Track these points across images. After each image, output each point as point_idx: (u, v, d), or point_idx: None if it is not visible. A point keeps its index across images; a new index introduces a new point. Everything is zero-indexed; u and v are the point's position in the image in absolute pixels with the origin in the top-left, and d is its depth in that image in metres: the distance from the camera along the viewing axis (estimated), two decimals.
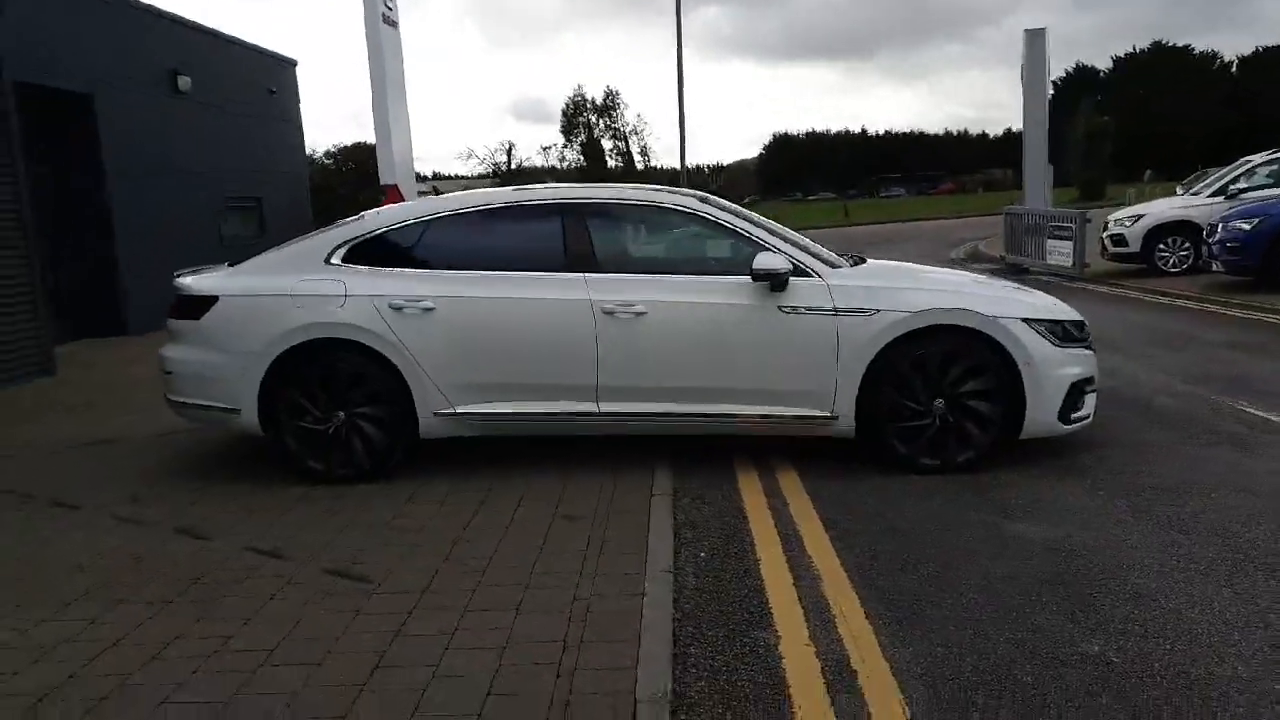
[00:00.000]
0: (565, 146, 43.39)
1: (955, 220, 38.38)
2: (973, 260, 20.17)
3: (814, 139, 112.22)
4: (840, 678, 3.04)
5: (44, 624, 3.62)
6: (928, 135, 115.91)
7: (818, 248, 6.09)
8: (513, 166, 41.37)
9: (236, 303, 5.35)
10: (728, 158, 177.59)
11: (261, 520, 4.76)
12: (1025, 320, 5.12)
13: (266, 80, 17.29)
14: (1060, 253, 16.14)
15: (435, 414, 5.28)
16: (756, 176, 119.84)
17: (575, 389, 5.23)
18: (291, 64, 18.70)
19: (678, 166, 26.21)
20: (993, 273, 17.20)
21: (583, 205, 5.43)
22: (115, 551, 4.41)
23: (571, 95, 46.73)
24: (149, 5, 13.69)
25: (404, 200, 21.29)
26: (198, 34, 15.14)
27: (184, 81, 14.33)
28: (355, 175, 35.92)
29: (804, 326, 5.10)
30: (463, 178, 46.65)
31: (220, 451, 6.13)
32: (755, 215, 6.08)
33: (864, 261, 5.88)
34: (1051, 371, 5.11)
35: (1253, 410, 6.22)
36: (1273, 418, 6.03)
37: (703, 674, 3.10)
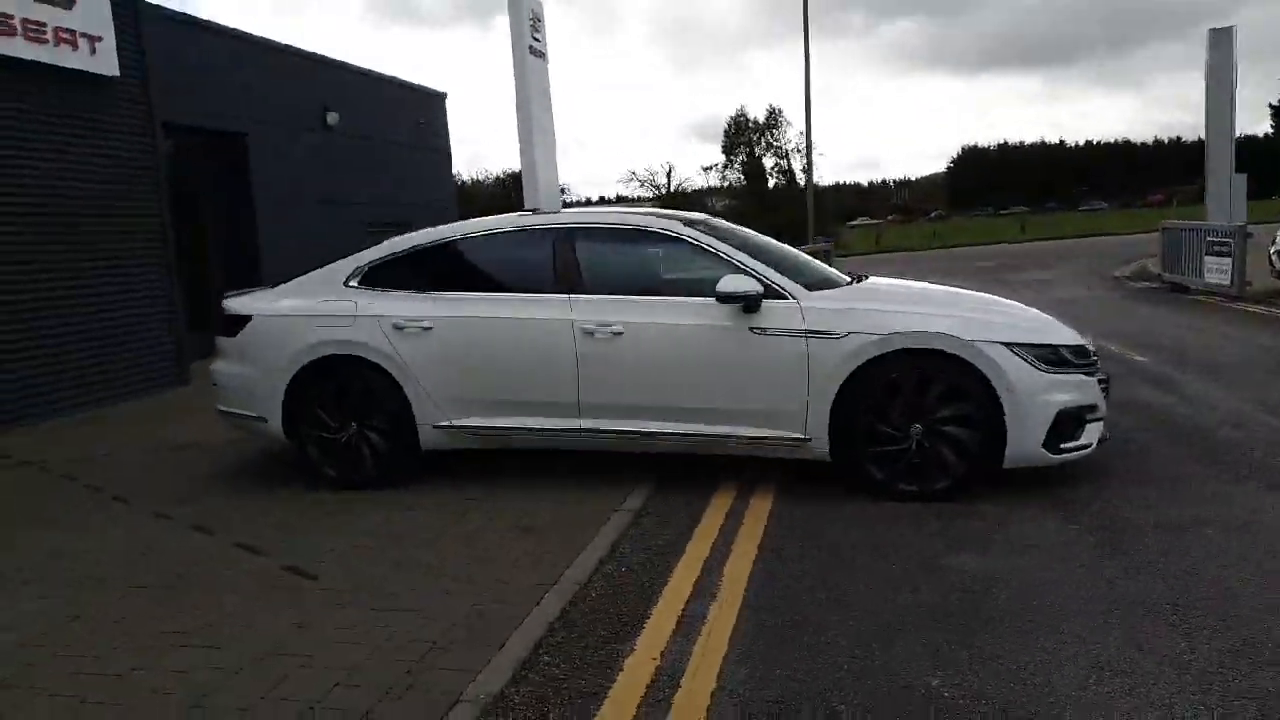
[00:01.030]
0: (726, 166, 43.63)
1: (1146, 235, 35.86)
2: (1139, 278, 18.88)
3: (1006, 151, 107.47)
4: (661, 692, 3.12)
5: (26, 600, 4.19)
6: (1134, 144, 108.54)
7: (817, 267, 6.10)
8: (672, 188, 42.09)
9: (266, 322, 5.91)
10: (919, 171, 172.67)
11: (267, 521, 5.24)
12: (1007, 344, 4.93)
13: (415, 113, 18.50)
14: (1218, 270, 14.91)
15: (434, 426, 5.64)
16: (945, 190, 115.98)
17: (559, 405, 5.46)
18: (441, 96, 19.90)
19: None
20: (1153, 291, 16.14)
21: (572, 230, 5.67)
22: (133, 541, 5.00)
23: (734, 115, 46.97)
24: (300, 50, 15.02)
25: None
26: (348, 73, 16.43)
27: (332, 117, 15.58)
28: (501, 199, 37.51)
29: (775, 348, 5.12)
30: (624, 199, 47.84)
31: (271, 457, 6.73)
32: (753, 238, 6.15)
33: (862, 280, 5.82)
34: (1035, 398, 4.89)
35: None
36: None
37: (539, 680, 3.24)
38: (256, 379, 5.89)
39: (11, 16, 8.64)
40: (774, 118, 42.67)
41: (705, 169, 49.94)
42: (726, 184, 43.70)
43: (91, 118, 9.66)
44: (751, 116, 43.25)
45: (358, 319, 5.70)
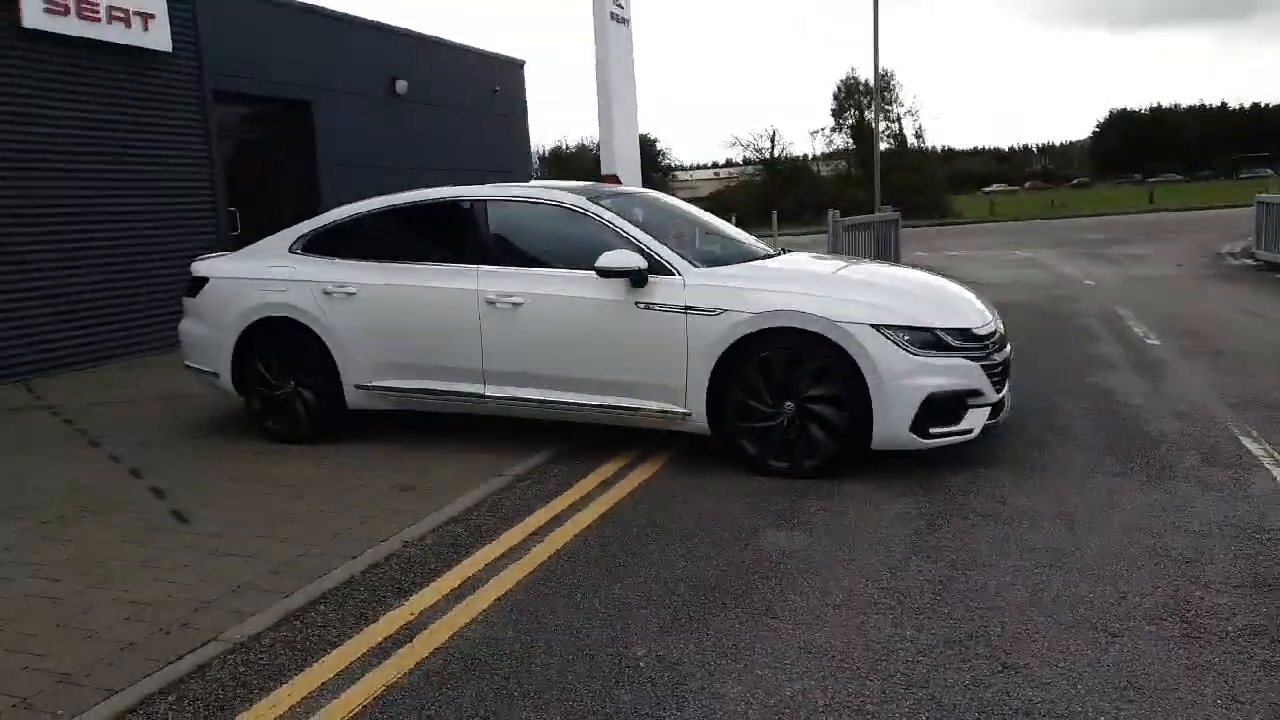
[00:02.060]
0: (834, 130, 42.66)
1: None
2: (1243, 255, 17.71)
3: (1158, 115, 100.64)
4: (389, 648, 3.37)
5: None
6: None
7: (741, 244, 6.18)
8: (776, 152, 41.51)
9: (220, 284, 6.39)
10: (1066, 135, 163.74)
11: (193, 468, 5.73)
12: (875, 326, 4.91)
13: (490, 80, 18.93)
14: None
15: (356, 386, 6.01)
16: (1090, 156, 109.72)
17: (467, 372, 5.73)
18: (519, 64, 20.27)
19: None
20: (1245, 270, 15.19)
21: (485, 203, 5.90)
22: (73, 478, 5.57)
23: (844, 77, 45.82)
24: (367, 20, 15.61)
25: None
26: (419, 42, 16.96)
27: (401, 85, 16.16)
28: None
29: (657, 323, 5.24)
30: (717, 165, 47.51)
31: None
32: (676, 214, 6.25)
33: (779, 256, 5.93)
34: (901, 381, 4.87)
35: (1253, 444, 5.43)
36: (1262, 452, 5.24)
37: (296, 628, 3.52)
38: (211, 337, 6.39)
39: None
40: (885, 80, 41.40)
41: (812, 133, 49.05)
42: (833, 148, 42.77)
43: (144, 90, 10.42)
44: (862, 79, 42.10)
45: (293, 284, 6.11)
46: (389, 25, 16.15)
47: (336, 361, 6.01)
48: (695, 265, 5.36)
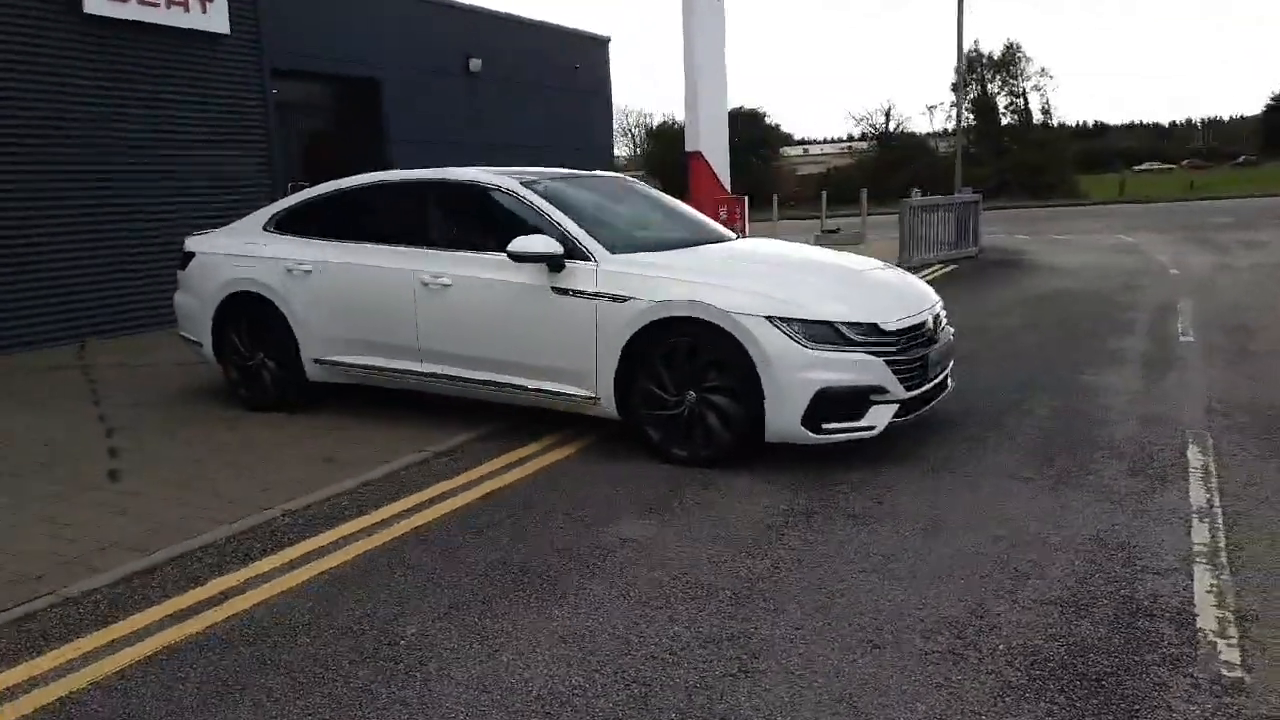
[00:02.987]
0: (953, 105, 40.84)
1: None
2: None
3: None
4: (171, 621, 3.60)
5: None
6: None
7: (698, 223, 6.19)
8: (891, 128, 40.13)
9: (203, 258, 6.79)
10: (1236, 110, 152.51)
11: (164, 429, 6.14)
12: (768, 318, 4.83)
13: (572, 58, 19.12)
14: None
15: (314, 360, 6.30)
16: (1259, 133, 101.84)
17: (404, 349, 5.94)
18: (603, 41, 20.38)
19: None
20: None
21: (427, 185, 6.07)
22: (55, 431, 6.06)
23: (966, 51, 43.78)
24: (439, 1, 15.98)
25: (709, 169, 22.23)
26: (496, 21, 17.29)
27: (475, 63, 16.54)
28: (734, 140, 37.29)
29: (570, 308, 5.31)
30: (825, 141, 46.27)
31: None
32: (610, 197, 6.26)
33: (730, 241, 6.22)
34: (792, 374, 4.79)
35: (1197, 455, 5.12)
36: (1199, 465, 4.93)
37: (122, 586, 3.79)
38: (196, 308, 6.80)
39: None
40: (1011, 53, 39.52)
41: (929, 108, 47.30)
42: (952, 124, 41.09)
43: (202, 70, 11.03)
44: (986, 51, 40.27)
45: (260, 260, 6.44)
46: (463, 4, 16.52)
47: (296, 335, 6.31)
48: (613, 252, 5.38)
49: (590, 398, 5.33)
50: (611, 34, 20.57)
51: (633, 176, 7.89)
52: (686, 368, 5.04)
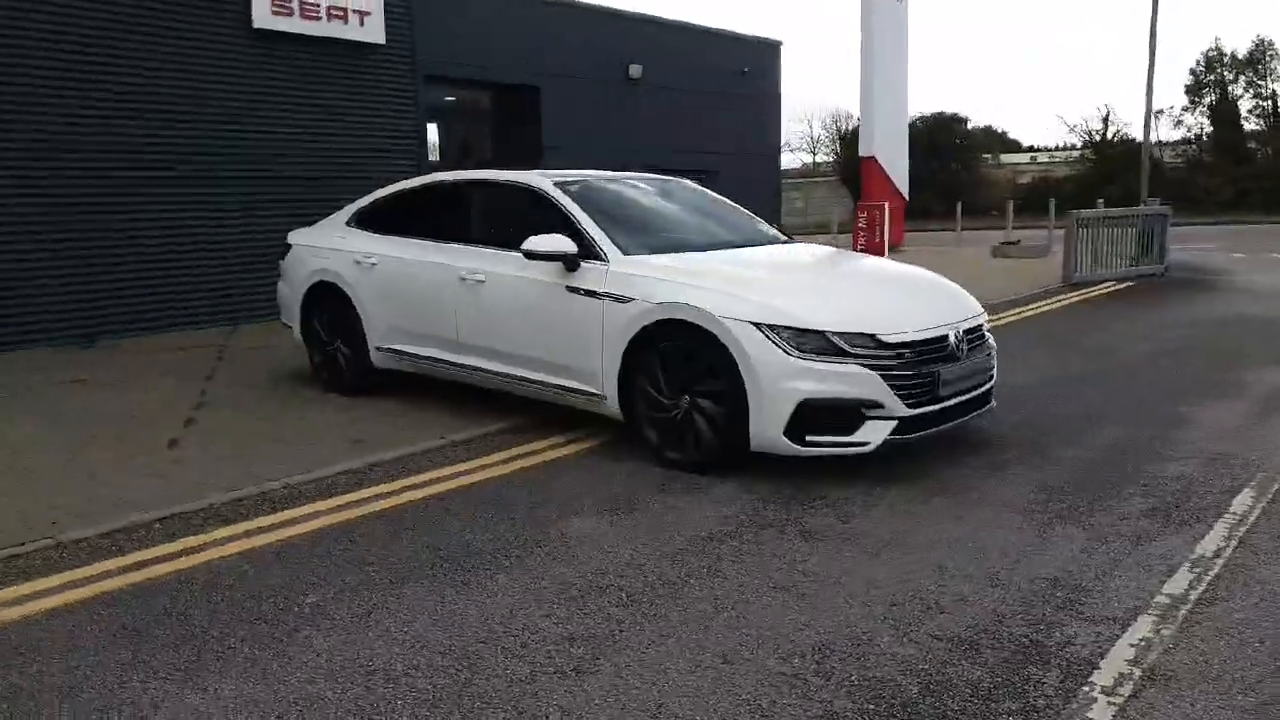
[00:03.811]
0: (1187, 109, 37.41)
1: None
2: None
3: None
4: (75, 583, 3.97)
5: None
6: None
7: (738, 223, 6.25)
8: (1109, 134, 37.05)
9: (297, 250, 7.37)
10: None
11: (245, 407, 6.71)
12: (757, 324, 4.72)
13: (738, 63, 19.11)
14: None
15: (376, 348, 6.71)
16: None
17: (446, 341, 6.22)
18: (774, 45, 20.23)
19: None
20: None
21: (472, 184, 6.34)
22: (137, 407, 6.74)
23: (1206, 50, 40.00)
24: (599, 7, 16.41)
25: (883, 174, 21.68)
26: (658, 27, 17.55)
27: (635, 70, 16.87)
28: (928, 146, 36.07)
29: (581, 307, 5.39)
30: (1034, 150, 43.19)
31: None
32: (641, 201, 6.27)
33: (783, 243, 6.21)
34: (777, 383, 4.66)
35: (1246, 501, 4.58)
36: (1242, 511, 4.41)
37: (34, 560, 4.21)
38: (289, 296, 7.39)
39: (290, 0, 11.03)
40: (1260, 50, 35.69)
41: (1157, 114, 43.37)
42: (1185, 130, 37.68)
43: (359, 78, 11.90)
44: (1229, 50, 36.60)
45: (337, 253, 6.92)
46: (624, 11, 16.87)
47: (363, 323, 6.73)
48: (625, 253, 5.41)
49: (599, 396, 5.38)
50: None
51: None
52: (682, 371, 5.00)
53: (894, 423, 4.72)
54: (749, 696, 2.82)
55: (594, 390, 5.39)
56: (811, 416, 4.66)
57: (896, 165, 22.30)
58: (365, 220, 6.96)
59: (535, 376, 5.71)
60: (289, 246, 7.51)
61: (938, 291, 5.57)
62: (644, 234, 5.76)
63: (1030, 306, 11.79)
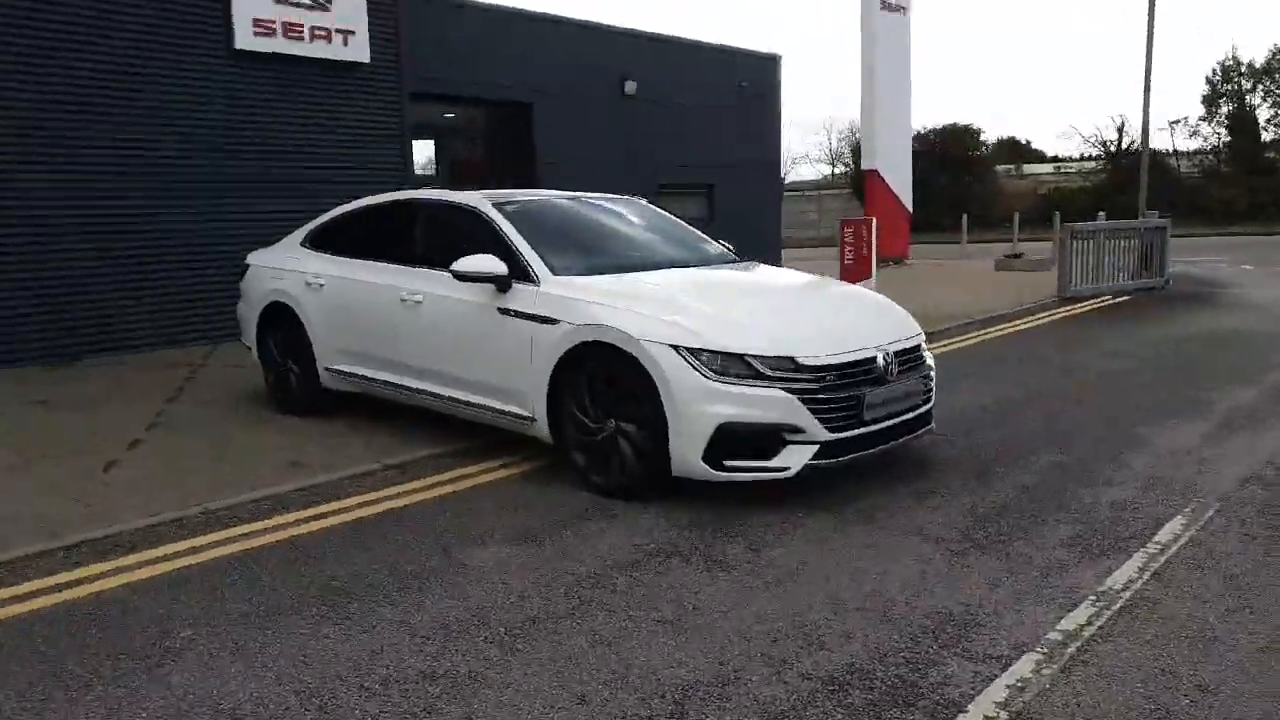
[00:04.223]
0: (1203, 119, 36.90)
1: None
2: None
3: None
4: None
5: None
6: None
7: (686, 243, 6.24)
8: (1123, 145, 36.55)
9: (253, 271, 7.37)
10: None
11: (199, 427, 6.70)
12: (674, 347, 4.65)
13: (736, 77, 19.05)
14: None
15: (325, 369, 6.69)
16: None
17: (388, 362, 6.18)
18: (772, 59, 20.17)
19: None
20: None
21: (413, 204, 6.33)
22: (100, 425, 6.76)
23: (1221, 59, 39.54)
24: (593, 24, 16.41)
25: (886, 188, 21.51)
26: (653, 43, 17.53)
27: (630, 85, 16.85)
28: (938, 158, 35.85)
29: (512, 328, 5.33)
30: (1061, 160, 42.65)
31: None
32: (584, 220, 6.21)
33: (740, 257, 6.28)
34: (692, 407, 4.58)
35: (1174, 530, 4.44)
36: (1165, 541, 4.28)
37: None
38: (246, 316, 7.40)
39: (272, 20, 11.09)
40: (1278, 59, 35.17)
41: (1171, 124, 42.89)
42: (1202, 140, 37.19)
43: (343, 97, 11.95)
44: (1246, 59, 36.12)
45: (288, 273, 6.91)
46: (617, 28, 16.88)
47: (312, 344, 6.71)
48: (554, 273, 5.35)
49: (530, 419, 5.32)
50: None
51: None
52: (607, 394, 4.94)
53: (815, 447, 4.63)
54: None
55: (525, 413, 5.33)
56: (730, 441, 4.58)
57: (899, 178, 22.14)
58: (316, 240, 6.96)
59: (471, 399, 5.66)
60: (246, 267, 7.51)
61: (871, 313, 5.48)
62: (580, 255, 5.70)
63: (1016, 322, 11.63)
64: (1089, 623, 3.42)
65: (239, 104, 10.93)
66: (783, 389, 4.57)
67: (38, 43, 9.33)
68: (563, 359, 5.06)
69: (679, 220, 6.83)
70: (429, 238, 6.19)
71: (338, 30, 11.70)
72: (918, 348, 5.30)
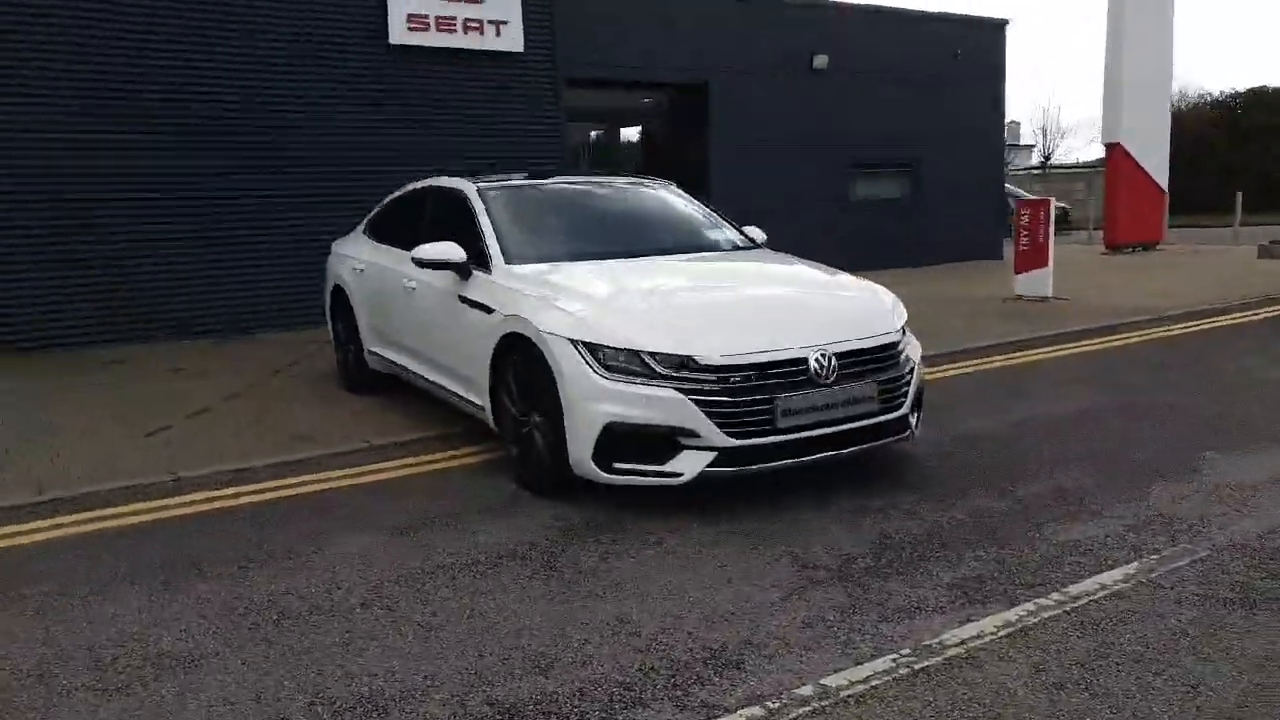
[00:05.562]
0: None
1: None
2: None
3: None
4: None
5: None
6: None
7: (682, 230, 6.12)
8: None
9: (330, 256, 7.87)
10: None
11: (257, 402, 7.29)
12: (573, 340, 4.44)
13: (951, 45, 17.69)
14: None
15: (369, 351, 7.04)
16: None
17: (403, 345, 6.40)
18: (997, 24, 18.52)
19: None
20: None
21: (422, 191, 6.48)
22: (185, 398, 7.49)
23: None
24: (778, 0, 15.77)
25: (1133, 163, 19.34)
26: (850, 13, 16.62)
27: (820, 60, 16.13)
28: (1227, 127, 31.39)
29: (466, 316, 5.34)
30: None
31: None
32: (573, 202, 6.05)
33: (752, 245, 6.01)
34: (585, 404, 4.37)
35: (1125, 572, 3.71)
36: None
37: None
38: (324, 298, 7.92)
39: (426, 15, 11.71)
40: None
41: None
42: None
43: (499, 87, 12.40)
44: None
45: (347, 259, 7.32)
46: (811, 1, 16.16)
47: (359, 327, 7.07)
48: (507, 261, 5.28)
49: (480, 406, 5.31)
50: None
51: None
52: (528, 386, 4.82)
53: (713, 454, 4.25)
54: None
55: (480, 402, 5.32)
56: (619, 442, 4.33)
57: (1153, 152, 19.61)
58: (370, 228, 7.30)
59: (445, 384, 5.74)
60: (329, 253, 8.02)
61: (825, 309, 4.94)
62: (545, 242, 5.57)
63: (1218, 319, 10.01)
64: (863, 680, 2.91)
65: (396, 99, 11.61)
66: (675, 389, 4.24)
67: (198, 40, 10.39)
68: (497, 349, 4.99)
69: (701, 207, 6.47)
70: (433, 224, 6.28)
71: (490, 21, 12.13)
72: (882, 348, 4.70)
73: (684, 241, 5.89)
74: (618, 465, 4.35)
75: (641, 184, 6.61)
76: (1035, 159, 47.74)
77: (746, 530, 4.20)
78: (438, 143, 11.77)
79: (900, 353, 4.80)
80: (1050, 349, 8.58)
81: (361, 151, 11.34)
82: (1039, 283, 11.44)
